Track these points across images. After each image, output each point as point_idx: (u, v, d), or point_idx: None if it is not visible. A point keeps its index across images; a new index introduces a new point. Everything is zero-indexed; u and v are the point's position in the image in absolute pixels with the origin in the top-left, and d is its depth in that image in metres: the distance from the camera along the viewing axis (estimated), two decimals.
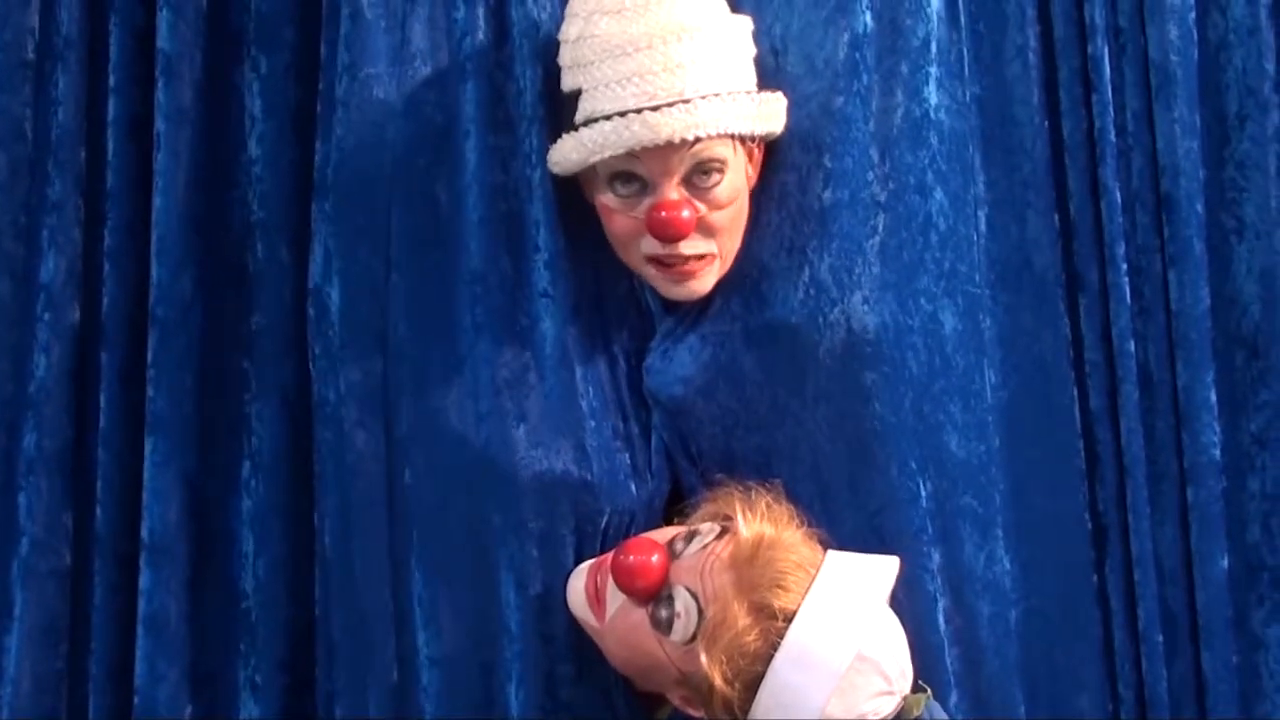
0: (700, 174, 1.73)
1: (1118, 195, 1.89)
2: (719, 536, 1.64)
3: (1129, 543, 1.90)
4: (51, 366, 1.91)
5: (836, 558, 1.64)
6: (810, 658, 1.56)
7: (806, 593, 1.58)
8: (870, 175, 1.81)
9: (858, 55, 1.82)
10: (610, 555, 1.69)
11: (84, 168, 1.94)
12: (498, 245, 1.81)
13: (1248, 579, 1.91)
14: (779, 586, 1.58)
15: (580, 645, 1.75)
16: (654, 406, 1.83)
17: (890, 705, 1.61)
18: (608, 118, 1.71)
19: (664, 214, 1.71)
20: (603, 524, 1.77)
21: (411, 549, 1.80)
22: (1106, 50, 1.89)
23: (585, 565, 1.74)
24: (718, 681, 1.57)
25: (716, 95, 1.71)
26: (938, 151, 1.84)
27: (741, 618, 1.57)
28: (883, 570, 1.65)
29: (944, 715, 1.65)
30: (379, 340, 1.83)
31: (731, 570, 1.60)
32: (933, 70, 1.85)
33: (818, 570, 1.60)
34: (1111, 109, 1.89)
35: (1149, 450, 1.91)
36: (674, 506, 1.82)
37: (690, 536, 1.66)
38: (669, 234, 1.71)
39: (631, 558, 1.64)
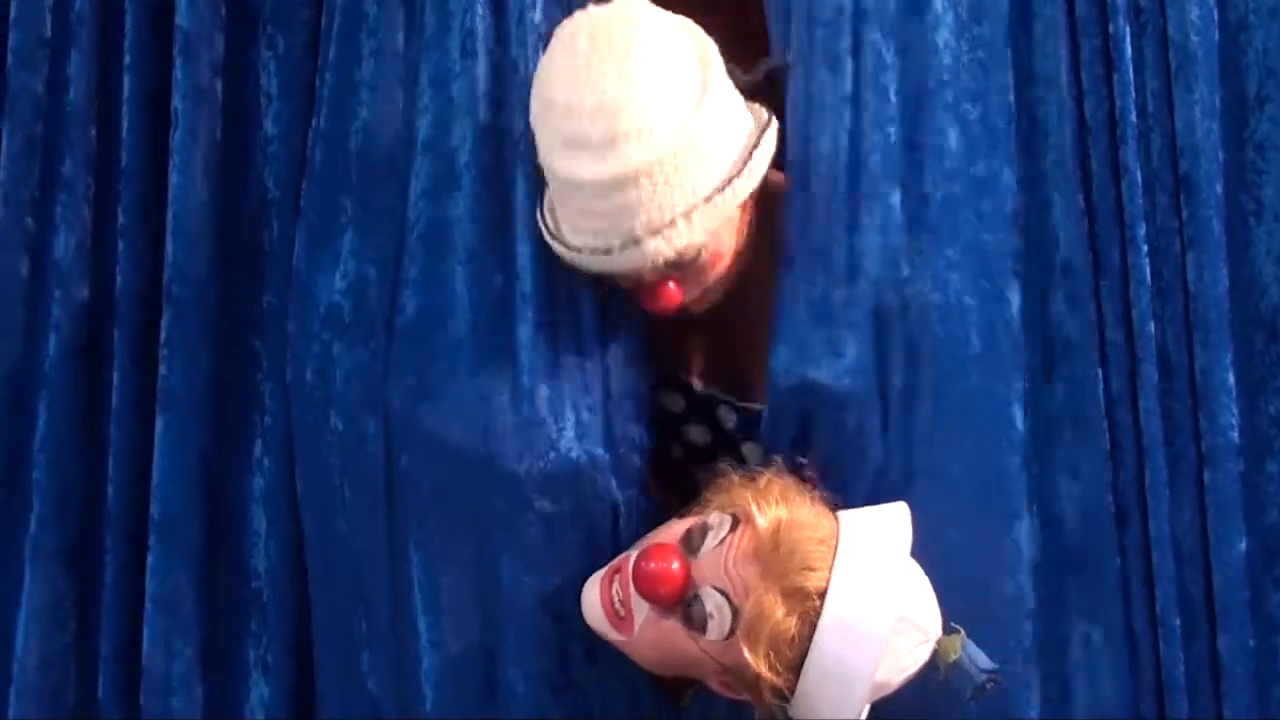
0: (675, 267, 1.70)
1: (1139, 176, 1.87)
2: (732, 528, 1.62)
3: (1148, 525, 1.88)
4: (63, 344, 1.91)
5: (851, 521, 1.62)
6: (852, 631, 1.55)
7: (832, 567, 1.57)
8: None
9: None
10: (624, 563, 1.67)
11: (95, 145, 1.93)
12: (494, 224, 1.78)
13: (1266, 562, 1.89)
14: (807, 568, 1.57)
15: None
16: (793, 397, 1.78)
17: (926, 652, 1.61)
18: (567, 246, 1.69)
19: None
20: (611, 502, 1.76)
21: (409, 533, 1.78)
22: (1128, 30, 1.87)
23: (596, 578, 1.70)
24: (764, 671, 1.56)
25: (670, 224, 1.64)
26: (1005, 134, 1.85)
27: (777, 606, 1.56)
28: (897, 520, 1.64)
29: (980, 654, 1.62)
30: (384, 322, 1.81)
31: (756, 561, 1.58)
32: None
33: (837, 540, 1.59)
34: (1133, 89, 1.87)
35: (1167, 432, 1.89)
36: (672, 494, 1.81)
37: (703, 531, 1.64)
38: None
39: (653, 565, 1.61)
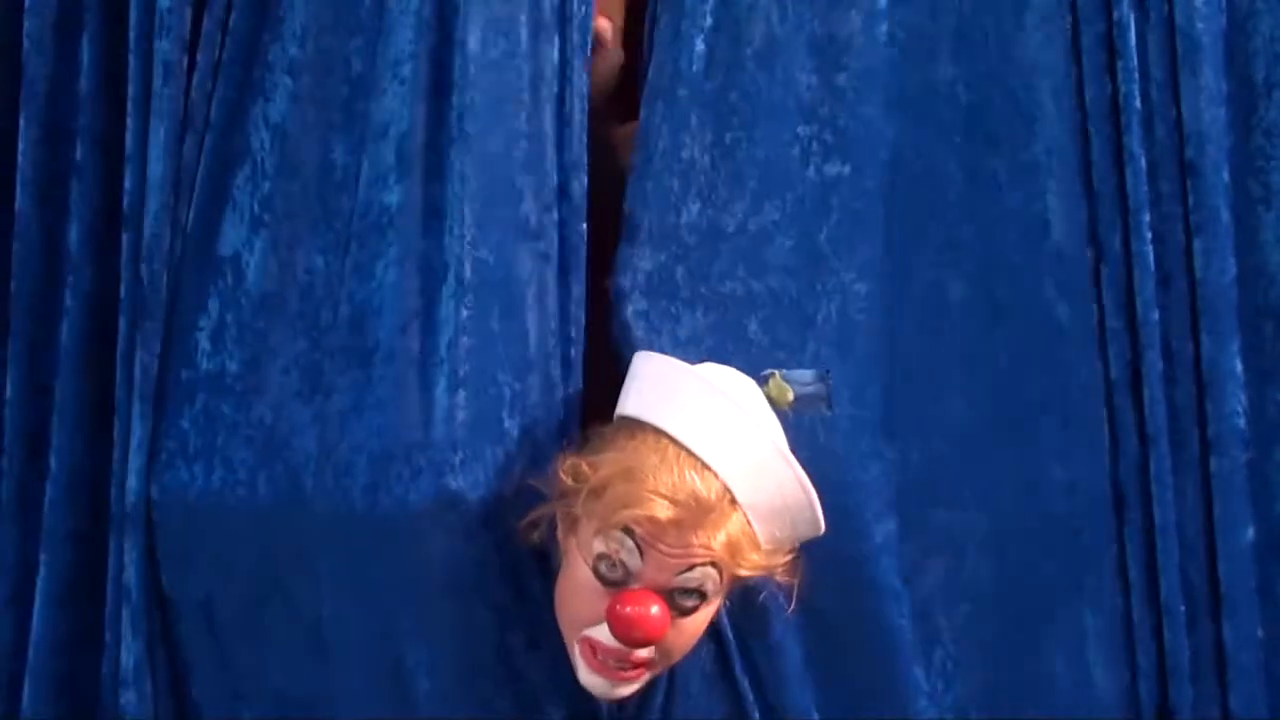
0: None
1: (1143, 163, 1.87)
2: (633, 535, 1.61)
3: (1150, 512, 1.88)
4: (74, 330, 1.90)
5: (660, 414, 1.64)
6: (763, 471, 1.60)
7: (699, 454, 1.60)
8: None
9: None
10: (591, 640, 1.64)
11: (104, 132, 1.93)
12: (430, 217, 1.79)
13: (1274, 549, 1.90)
14: (705, 489, 1.59)
15: (532, 611, 1.73)
16: None
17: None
18: None
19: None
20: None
21: (331, 527, 1.76)
22: (1133, 16, 1.88)
23: (581, 667, 1.66)
24: (764, 561, 1.63)
25: None
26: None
27: (732, 530, 1.59)
28: (662, 370, 1.68)
29: (799, 374, 1.67)
30: (329, 312, 1.81)
31: (685, 529, 1.59)
32: None
33: (674, 441, 1.61)
34: (1137, 75, 1.87)
35: (1170, 420, 1.89)
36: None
37: (615, 560, 1.61)
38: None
39: (629, 609, 1.59)
